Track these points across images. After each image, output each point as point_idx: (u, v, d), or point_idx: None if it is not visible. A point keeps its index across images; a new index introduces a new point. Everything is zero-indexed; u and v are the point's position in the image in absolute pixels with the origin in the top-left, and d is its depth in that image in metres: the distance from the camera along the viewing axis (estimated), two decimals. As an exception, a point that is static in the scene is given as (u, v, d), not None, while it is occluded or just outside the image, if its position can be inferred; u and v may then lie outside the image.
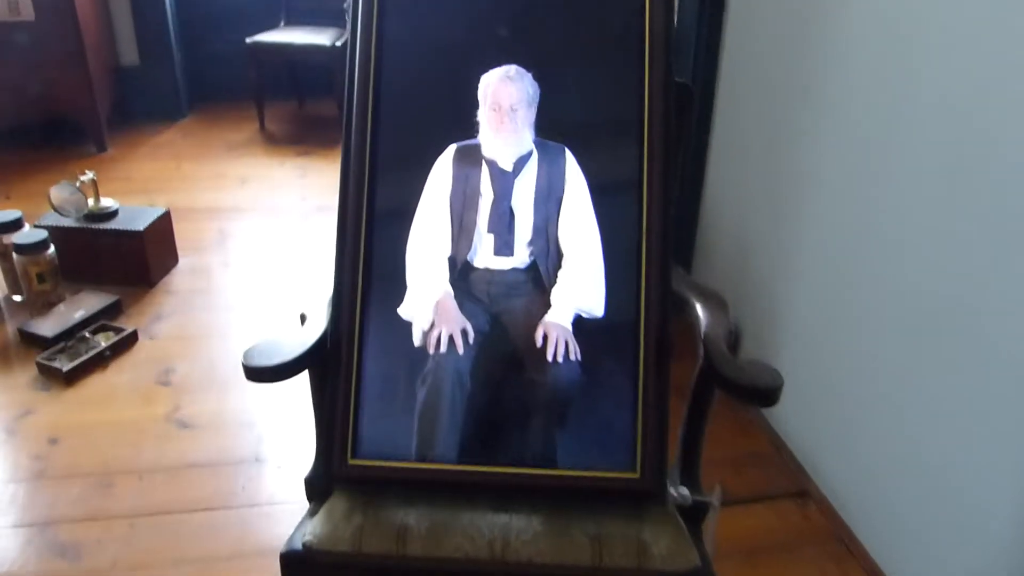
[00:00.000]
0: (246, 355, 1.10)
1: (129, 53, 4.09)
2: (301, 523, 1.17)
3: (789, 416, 1.96)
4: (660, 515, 1.15)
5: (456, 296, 1.19)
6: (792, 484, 1.85)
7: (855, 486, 1.71)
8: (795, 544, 1.70)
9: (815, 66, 1.74)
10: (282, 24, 4.14)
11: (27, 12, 3.37)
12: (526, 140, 1.21)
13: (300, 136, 4.10)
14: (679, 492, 1.19)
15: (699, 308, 1.25)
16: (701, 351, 1.16)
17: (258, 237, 3.02)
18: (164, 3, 4.03)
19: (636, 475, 1.13)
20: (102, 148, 3.76)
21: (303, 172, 3.62)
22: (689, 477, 1.24)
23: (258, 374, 1.10)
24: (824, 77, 1.71)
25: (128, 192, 3.19)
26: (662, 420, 1.14)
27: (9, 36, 3.40)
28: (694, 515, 1.20)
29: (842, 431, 1.75)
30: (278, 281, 2.69)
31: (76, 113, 3.68)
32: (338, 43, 3.87)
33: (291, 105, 4.45)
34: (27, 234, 2.36)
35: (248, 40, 3.88)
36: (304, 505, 1.20)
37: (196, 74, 4.36)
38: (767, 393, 1.08)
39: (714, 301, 1.27)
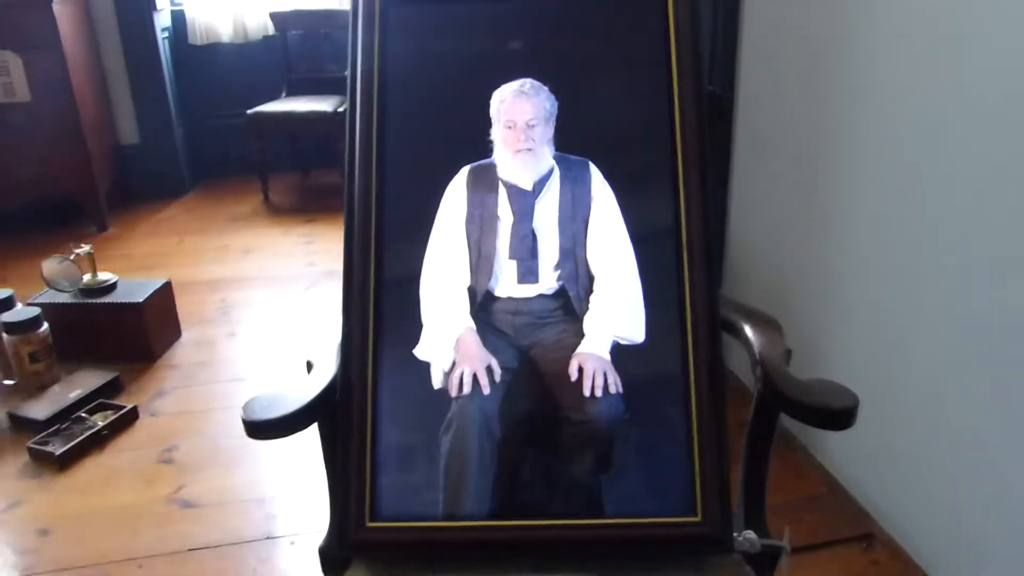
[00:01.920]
0: (246, 408, 0.97)
1: (129, 131, 4.06)
2: (316, 600, 1.02)
3: (843, 455, 1.81)
4: (727, 565, 1.01)
5: (478, 330, 1.07)
6: (854, 527, 1.70)
7: (929, 525, 1.55)
8: (866, 595, 1.54)
9: (844, 68, 1.65)
10: (283, 95, 4.11)
11: (23, 93, 3.35)
12: (546, 158, 1.10)
13: (305, 205, 4.04)
14: (745, 537, 1.04)
15: (748, 330, 1.12)
16: (758, 373, 1.03)
17: (264, 306, 2.91)
18: (164, 81, 4.02)
19: (697, 519, 1.00)
20: (102, 228, 3.69)
21: (309, 239, 3.54)
22: (754, 519, 1.09)
23: (260, 429, 0.97)
24: (857, 77, 1.61)
25: (128, 269, 3.10)
26: (722, 455, 1.00)
27: (4, 118, 3.37)
28: (764, 563, 1.06)
29: (907, 466, 1.60)
30: (287, 349, 2.57)
31: (75, 193, 3.63)
32: (340, 109, 3.82)
33: (295, 176, 4.41)
34: (18, 312, 2.26)
35: (249, 111, 3.85)
36: (320, 582, 1.05)
37: (198, 150, 4.34)
38: (842, 414, 0.94)
39: (764, 321, 1.15)
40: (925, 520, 1.56)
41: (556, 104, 1.11)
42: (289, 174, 4.38)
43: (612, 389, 1.03)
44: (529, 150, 1.09)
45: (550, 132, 1.11)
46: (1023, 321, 1.27)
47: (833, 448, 1.85)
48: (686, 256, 1.05)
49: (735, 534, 1.02)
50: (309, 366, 1.10)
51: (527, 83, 1.11)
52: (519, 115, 1.10)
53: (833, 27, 1.66)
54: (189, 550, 1.71)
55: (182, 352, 2.59)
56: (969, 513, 1.43)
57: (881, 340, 1.63)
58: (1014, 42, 1.22)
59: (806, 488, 1.83)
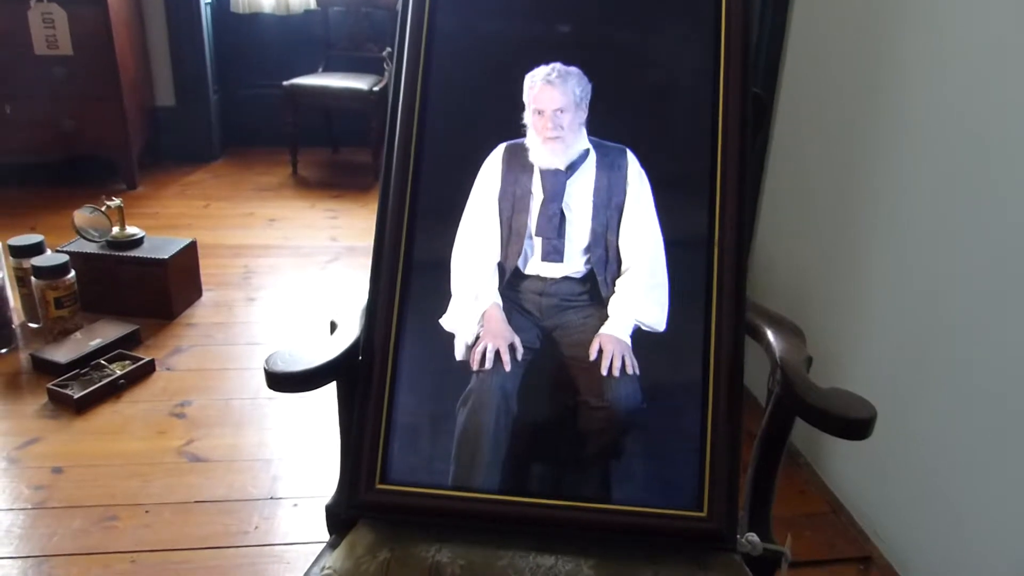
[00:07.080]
0: (268, 360, 0.99)
1: (165, 94, 4.10)
2: (320, 556, 1.04)
3: (849, 476, 1.80)
4: (726, 564, 1.01)
5: (504, 308, 1.08)
6: (853, 549, 1.69)
7: (931, 556, 1.54)
8: (859, 615, 1.54)
9: (889, 81, 1.64)
10: (320, 70, 4.13)
11: (65, 46, 3.38)
12: (577, 142, 1.11)
13: (333, 181, 4.06)
14: (748, 539, 1.04)
15: (771, 334, 1.13)
16: (778, 376, 1.03)
17: (285, 274, 2.93)
18: (203, 46, 4.06)
19: (702, 514, 1.00)
20: (132, 186, 3.73)
21: (335, 214, 3.56)
22: (758, 523, 1.10)
23: (280, 381, 0.98)
24: (902, 91, 1.60)
25: (154, 228, 3.12)
26: (733, 452, 1.01)
27: (45, 70, 3.41)
28: (763, 567, 1.06)
29: (914, 492, 1.59)
30: (305, 316, 2.60)
31: (108, 150, 3.66)
32: (376, 88, 3.84)
33: (325, 152, 4.43)
34: (47, 257, 2.29)
35: (285, 83, 3.87)
36: (322, 546, 1.06)
37: (231, 117, 4.37)
38: (859, 424, 0.94)
39: (787, 327, 1.15)
40: (926, 550, 1.55)
41: (588, 87, 1.11)
42: (319, 149, 4.40)
43: (629, 370, 1.04)
44: (558, 138, 1.10)
45: (582, 116, 1.11)
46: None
47: (839, 468, 1.84)
48: (716, 257, 1.06)
49: (738, 535, 1.03)
50: (333, 326, 1.12)
51: (554, 71, 1.10)
52: (546, 103, 1.10)
53: (882, 39, 1.65)
54: (195, 502, 1.74)
55: (201, 312, 2.62)
56: (973, 548, 1.42)
57: (900, 359, 1.62)
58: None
59: (809, 505, 1.83)
